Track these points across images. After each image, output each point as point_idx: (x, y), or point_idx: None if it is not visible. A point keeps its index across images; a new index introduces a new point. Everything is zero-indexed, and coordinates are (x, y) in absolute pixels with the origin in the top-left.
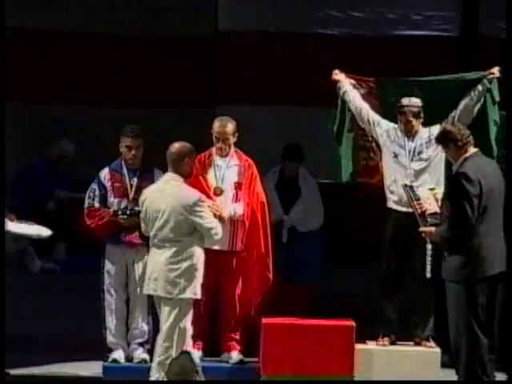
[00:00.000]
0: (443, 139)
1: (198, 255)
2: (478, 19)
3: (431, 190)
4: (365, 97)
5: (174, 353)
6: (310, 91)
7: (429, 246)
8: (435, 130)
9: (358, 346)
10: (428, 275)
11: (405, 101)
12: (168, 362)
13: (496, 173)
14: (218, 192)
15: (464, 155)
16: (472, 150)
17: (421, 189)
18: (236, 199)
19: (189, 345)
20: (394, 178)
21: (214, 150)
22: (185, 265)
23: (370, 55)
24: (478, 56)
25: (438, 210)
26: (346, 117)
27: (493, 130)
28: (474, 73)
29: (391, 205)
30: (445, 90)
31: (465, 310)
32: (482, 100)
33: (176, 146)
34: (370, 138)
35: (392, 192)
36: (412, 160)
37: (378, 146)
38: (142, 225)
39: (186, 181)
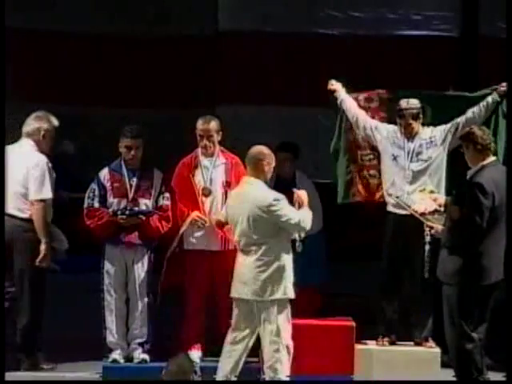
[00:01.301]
0: (464, 138)
1: (286, 256)
2: (478, 19)
3: (422, 190)
4: (375, 110)
5: (283, 351)
6: (309, 91)
7: (427, 247)
8: (437, 131)
9: (358, 346)
10: (426, 275)
11: (403, 103)
12: (277, 364)
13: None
14: (207, 193)
15: (481, 162)
16: (491, 158)
17: (411, 196)
18: (225, 198)
19: (290, 344)
20: (393, 181)
21: (199, 150)
22: (273, 266)
23: (370, 55)
24: (477, 56)
25: (437, 207)
26: (341, 136)
27: (500, 143)
28: (484, 90)
29: (390, 208)
30: (454, 106)
31: (457, 312)
32: (490, 113)
33: (253, 148)
34: (372, 156)
35: (391, 195)
36: (411, 161)
37: (378, 157)
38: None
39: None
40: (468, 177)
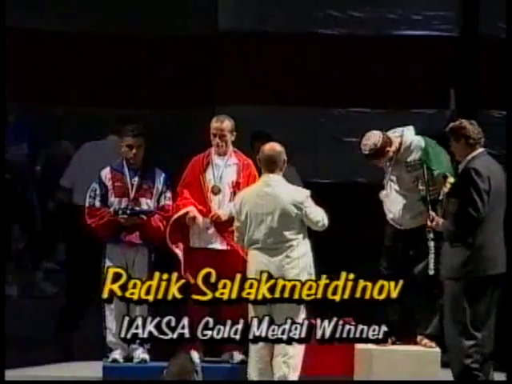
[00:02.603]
0: (455, 132)
1: (310, 253)
2: (478, 19)
3: (444, 177)
4: None
5: (297, 349)
6: (310, 91)
7: (431, 244)
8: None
9: (358, 346)
10: (431, 272)
11: (364, 148)
12: (291, 360)
13: (502, 173)
14: (216, 191)
15: (472, 154)
16: (480, 149)
17: (438, 172)
18: (233, 198)
19: None
20: (389, 192)
21: (212, 149)
22: (302, 263)
23: (370, 55)
24: (478, 56)
25: (441, 198)
26: None
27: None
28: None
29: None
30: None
31: (462, 308)
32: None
33: (267, 146)
34: None
35: (390, 211)
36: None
37: None
38: (237, 234)
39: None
40: (460, 169)
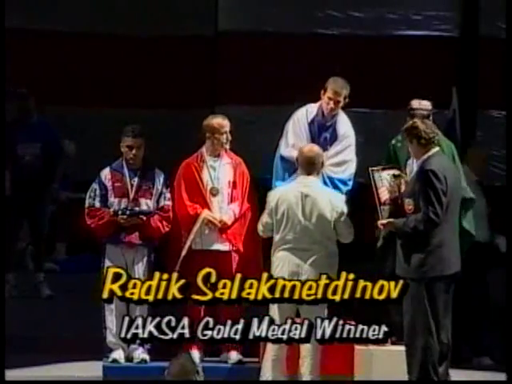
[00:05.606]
0: (408, 133)
1: (337, 254)
2: (478, 19)
3: (396, 176)
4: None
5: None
6: (309, 91)
7: None
8: None
9: (358, 346)
10: None
11: (415, 103)
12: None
13: (456, 173)
14: (215, 192)
15: (427, 154)
16: (435, 149)
17: (385, 174)
18: (231, 198)
19: None
20: None
21: (204, 150)
22: (334, 266)
23: (370, 55)
24: (477, 56)
25: (397, 195)
26: None
27: None
28: None
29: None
30: None
31: (423, 308)
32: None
33: (312, 148)
34: None
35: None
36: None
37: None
38: (263, 228)
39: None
40: (416, 169)
